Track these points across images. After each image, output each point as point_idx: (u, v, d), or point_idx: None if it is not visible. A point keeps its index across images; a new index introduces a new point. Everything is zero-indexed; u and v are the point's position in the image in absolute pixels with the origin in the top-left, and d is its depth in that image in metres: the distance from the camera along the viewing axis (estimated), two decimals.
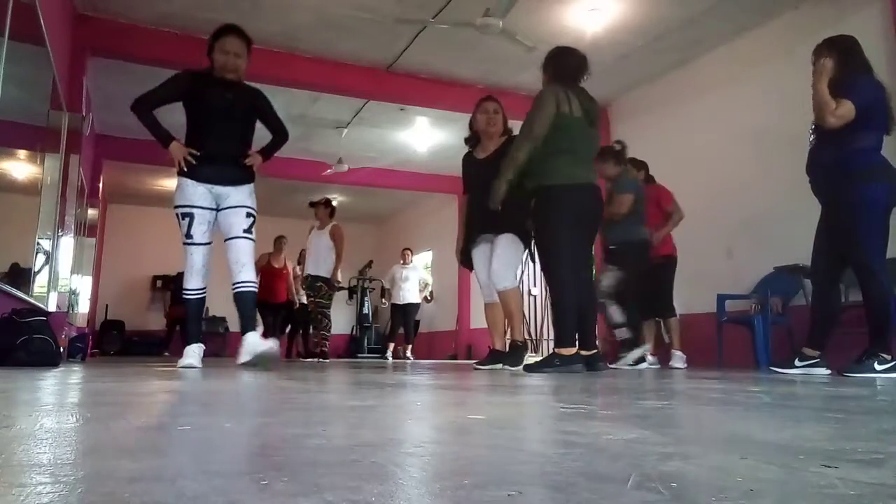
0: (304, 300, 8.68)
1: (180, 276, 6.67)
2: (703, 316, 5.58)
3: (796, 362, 3.50)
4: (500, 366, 3.92)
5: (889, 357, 3.27)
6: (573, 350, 3.46)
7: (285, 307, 8.54)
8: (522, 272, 10.25)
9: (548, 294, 3.73)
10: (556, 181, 3.54)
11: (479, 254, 4.13)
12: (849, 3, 5.27)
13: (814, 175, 3.50)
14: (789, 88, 5.33)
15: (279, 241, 8.64)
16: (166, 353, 9.74)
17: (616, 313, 4.89)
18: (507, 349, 4.14)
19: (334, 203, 7.81)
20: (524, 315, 10.15)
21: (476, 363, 4.38)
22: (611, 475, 0.62)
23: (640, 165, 5.19)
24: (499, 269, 3.93)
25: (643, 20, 5.85)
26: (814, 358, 3.47)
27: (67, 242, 6.08)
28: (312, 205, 7.49)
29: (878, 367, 3.24)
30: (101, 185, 9.19)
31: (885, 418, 1.26)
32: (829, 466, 0.65)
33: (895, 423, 1.19)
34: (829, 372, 3.43)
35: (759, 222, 5.66)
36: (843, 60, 3.40)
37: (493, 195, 3.63)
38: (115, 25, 5.99)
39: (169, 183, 11.09)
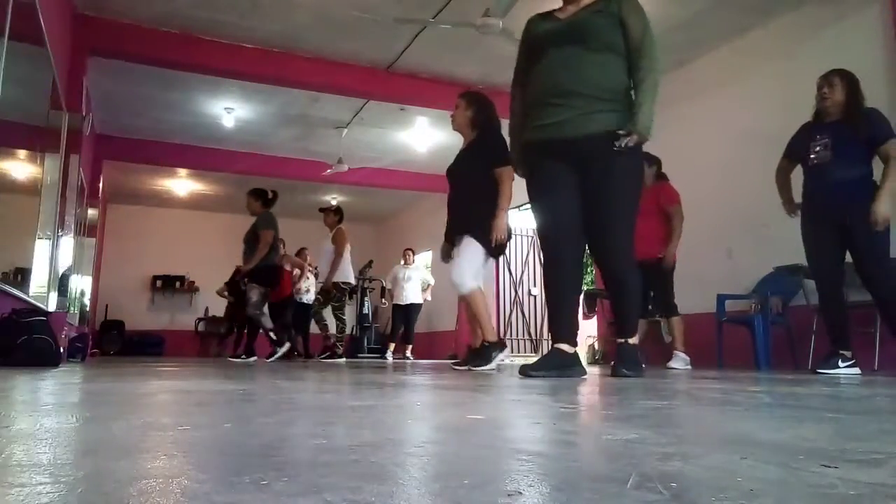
0: (305, 299, 8.69)
1: (274, 269, 6.76)
2: (703, 316, 5.58)
3: (839, 363, 3.63)
4: (466, 367, 3.78)
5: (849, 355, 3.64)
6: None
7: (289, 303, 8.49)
8: (522, 272, 10.25)
9: (619, 275, 2.84)
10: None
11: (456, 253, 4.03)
12: (848, 4, 5.27)
13: (831, 190, 3.62)
14: (789, 88, 5.34)
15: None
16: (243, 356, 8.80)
17: (267, 321, 6.26)
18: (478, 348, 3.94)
19: (334, 203, 7.86)
20: (524, 315, 10.16)
21: (453, 363, 4.33)
22: (611, 475, 0.62)
23: (654, 160, 5.13)
24: (454, 277, 3.83)
25: None
26: (851, 358, 3.67)
27: (67, 242, 6.07)
28: (322, 210, 7.55)
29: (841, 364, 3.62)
30: (100, 185, 9.19)
31: (884, 418, 1.26)
32: (829, 466, 0.65)
33: (895, 423, 1.19)
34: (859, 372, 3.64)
35: (759, 222, 5.66)
36: (854, 91, 3.65)
37: (644, 127, 2.66)
38: (114, 25, 5.99)
39: (169, 183, 11.10)
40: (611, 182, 2.69)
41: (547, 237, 2.90)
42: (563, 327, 2.82)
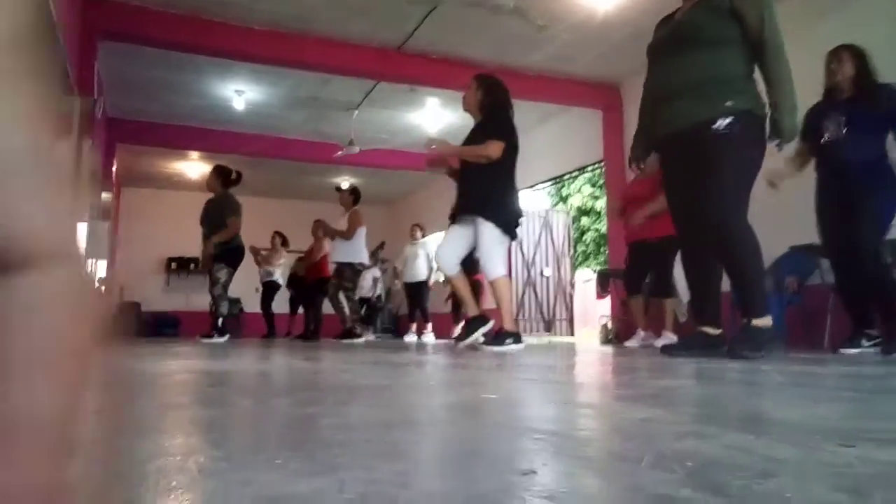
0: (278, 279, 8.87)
1: (241, 250, 6.56)
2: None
3: (863, 342, 3.56)
4: (478, 336, 3.86)
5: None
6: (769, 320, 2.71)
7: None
8: (534, 252, 10.24)
9: (728, 248, 2.76)
10: (762, 112, 2.76)
11: (456, 229, 4.04)
12: None
13: (844, 169, 3.52)
14: (798, 72, 5.23)
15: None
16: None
17: (225, 307, 6.12)
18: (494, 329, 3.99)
19: (346, 185, 7.84)
20: (537, 295, 10.15)
21: (456, 338, 4.34)
22: (625, 454, 0.62)
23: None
24: (484, 263, 3.91)
25: None
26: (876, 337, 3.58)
27: (82, 226, 6.13)
28: (338, 190, 7.53)
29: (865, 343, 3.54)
30: (114, 168, 9.24)
31: None
32: (846, 446, 0.65)
33: None
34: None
35: (773, 203, 5.59)
36: (863, 64, 3.55)
37: (789, 130, 2.72)
38: (124, 8, 5.98)
39: (181, 166, 11.15)
40: (706, 161, 2.71)
41: (679, 231, 3.03)
42: (707, 311, 2.93)
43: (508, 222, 3.95)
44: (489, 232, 3.88)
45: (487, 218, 3.87)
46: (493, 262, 3.91)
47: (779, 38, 2.71)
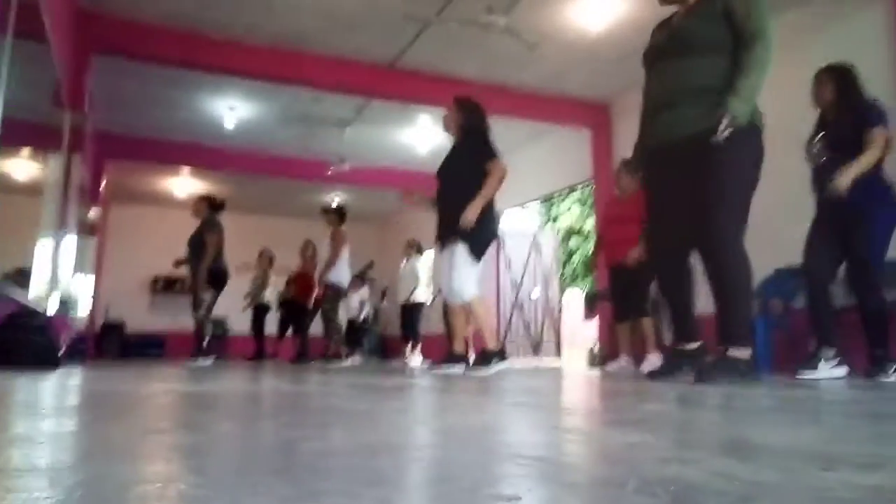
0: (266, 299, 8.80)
1: (224, 272, 6.76)
2: (702, 319, 5.57)
3: (820, 363, 3.49)
4: (456, 368, 3.90)
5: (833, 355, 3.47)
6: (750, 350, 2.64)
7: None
8: (523, 274, 10.25)
9: (716, 271, 2.70)
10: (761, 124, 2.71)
11: (445, 255, 4.06)
12: (852, 2, 5.26)
13: (831, 192, 3.45)
14: (792, 86, 5.33)
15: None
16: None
17: (209, 328, 6.32)
18: (475, 354, 4.08)
19: (334, 205, 7.83)
20: (524, 317, 10.15)
21: (431, 364, 4.40)
22: (610, 479, 0.62)
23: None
24: (455, 286, 3.91)
25: (648, 17, 5.81)
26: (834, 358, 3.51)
27: (69, 243, 6.08)
28: (324, 211, 7.54)
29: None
30: (102, 184, 9.18)
31: (884, 422, 1.26)
32: (828, 470, 0.65)
33: (893, 426, 1.19)
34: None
35: (759, 223, 5.63)
36: (845, 85, 3.55)
37: (736, 109, 2.56)
38: (118, 23, 5.98)
39: (170, 183, 11.12)
40: (704, 178, 2.66)
41: (653, 246, 3.05)
42: (684, 326, 2.95)
43: (481, 245, 3.96)
44: (463, 253, 3.90)
45: (463, 239, 3.89)
46: (466, 284, 3.91)
47: (764, 28, 2.62)
